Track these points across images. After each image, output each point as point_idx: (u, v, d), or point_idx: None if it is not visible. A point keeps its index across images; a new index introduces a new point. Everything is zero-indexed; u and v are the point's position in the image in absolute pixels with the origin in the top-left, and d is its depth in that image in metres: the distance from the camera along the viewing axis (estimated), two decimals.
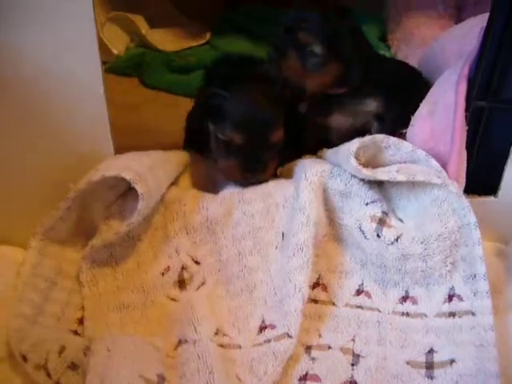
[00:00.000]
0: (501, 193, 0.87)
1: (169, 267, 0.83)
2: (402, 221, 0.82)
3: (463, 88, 0.82)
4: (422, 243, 0.78)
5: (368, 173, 0.79)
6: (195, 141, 0.95)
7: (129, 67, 1.31)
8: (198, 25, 1.40)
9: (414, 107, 0.90)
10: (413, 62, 1.21)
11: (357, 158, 0.80)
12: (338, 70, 0.94)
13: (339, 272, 0.83)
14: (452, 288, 0.79)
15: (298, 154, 0.93)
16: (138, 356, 0.68)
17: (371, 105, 0.97)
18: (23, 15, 0.74)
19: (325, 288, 0.82)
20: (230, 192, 0.85)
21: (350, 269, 0.83)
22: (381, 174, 0.79)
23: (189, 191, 0.87)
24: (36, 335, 0.72)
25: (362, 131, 0.94)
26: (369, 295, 0.82)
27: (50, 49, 0.77)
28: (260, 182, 0.86)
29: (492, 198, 0.88)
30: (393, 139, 0.82)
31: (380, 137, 0.81)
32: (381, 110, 0.97)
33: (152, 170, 0.81)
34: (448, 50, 1.02)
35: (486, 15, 0.98)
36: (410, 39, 1.23)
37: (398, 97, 0.97)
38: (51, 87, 0.79)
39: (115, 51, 1.32)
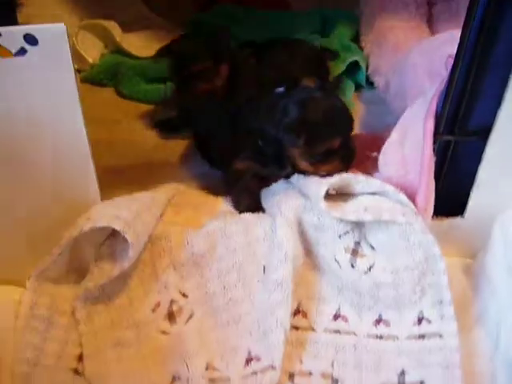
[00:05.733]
0: (467, 213, 0.93)
1: (159, 303, 0.88)
2: (373, 247, 0.88)
3: (431, 124, 0.85)
4: (391, 273, 0.85)
5: (337, 214, 0.84)
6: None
7: (104, 77, 1.31)
8: (173, 27, 1.39)
9: None
10: (385, 65, 1.24)
11: (327, 192, 0.85)
12: None
13: (317, 299, 0.89)
14: (421, 312, 0.85)
15: None
16: None
17: None
18: None
19: (305, 315, 0.88)
20: (214, 226, 0.90)
21: (328, 295, 0.89)
22: (350, 215, 0.84)
23: (174, 227, 0.91)
24: (38, 380, 0.78)
25: None
26: (345, 319, 0.88)
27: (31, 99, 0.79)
28: None
29: (459, 218, 0.93)
30: (361, 177, 0.86)
31: (347, 177, 0.86)
32: None
33: (140, 215, 0.85)
34: (419, 67, 1.05)
35: (453, 32, 1.00)
36: (382, 42, 1.24)
37: None
38: (32, 132, 0.82)
39: (90, 60, 1.31)
